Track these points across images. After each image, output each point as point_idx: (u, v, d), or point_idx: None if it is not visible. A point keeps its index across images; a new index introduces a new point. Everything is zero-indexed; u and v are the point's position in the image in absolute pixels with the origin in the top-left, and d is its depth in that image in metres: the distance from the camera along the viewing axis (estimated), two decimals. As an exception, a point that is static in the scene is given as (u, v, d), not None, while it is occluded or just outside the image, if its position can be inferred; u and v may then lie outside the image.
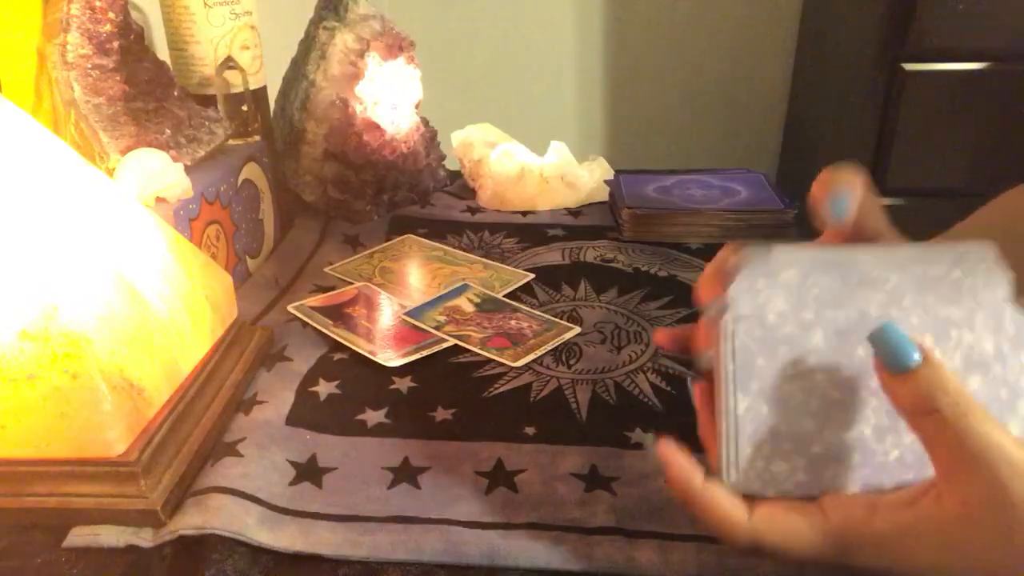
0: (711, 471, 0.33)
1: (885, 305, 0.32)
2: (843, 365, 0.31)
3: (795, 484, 0.32)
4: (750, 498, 0.32)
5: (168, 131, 0.58)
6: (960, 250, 0.33)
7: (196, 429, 0.43)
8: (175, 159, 0.55)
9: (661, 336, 0.40)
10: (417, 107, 0.77)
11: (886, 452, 0.31)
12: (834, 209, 0.35)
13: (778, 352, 0.32)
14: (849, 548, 0.30)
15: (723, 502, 0.32)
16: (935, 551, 0.29)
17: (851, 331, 0.31)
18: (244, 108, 0.68)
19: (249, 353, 0.51)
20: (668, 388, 0.49)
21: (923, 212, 0.76)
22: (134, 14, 0.60)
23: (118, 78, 0.56)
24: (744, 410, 0.32)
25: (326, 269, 0.65)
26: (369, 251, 0.68)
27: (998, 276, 0.32)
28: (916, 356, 0.29)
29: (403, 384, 0.50)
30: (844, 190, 0.35)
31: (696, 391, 0.35)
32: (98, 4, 0.55)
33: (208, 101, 0.66)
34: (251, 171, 0.65)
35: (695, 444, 0.39)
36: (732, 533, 0.32)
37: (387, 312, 0.58)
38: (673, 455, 0.33)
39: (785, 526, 0.31)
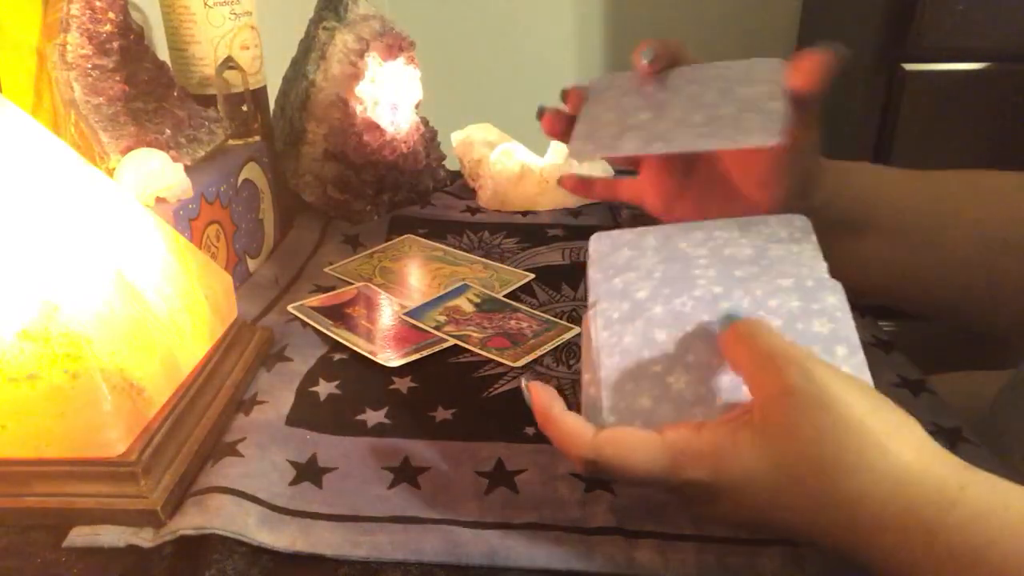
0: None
1: (708, 287, 0.39)
2: (687, 329, 0.38)
3: (660, 418, 0.36)
4: None
5: (168, 131, 0.58)
6: (771, 222, 0.42)
7: (196, 429, 0.43)
8: (175, 159, 0.55)
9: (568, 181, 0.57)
10: (417, 107, 0.77)
11: (731, 380, 0.36)
12: (643, 56, 0.47)
13: (633, 325, 0.38)
14: (677, 463, 0.33)
15: (572, 422, 0.36)
16: (746, 458, 0.32)
17: (686, 312, 0.38)
18: (244, 108, 0.68)
19: (249, 353, 0.51)
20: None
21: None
22: (134, 14, 0.60)
23: (118, 78, 0.56)
24: (608, 362, 0.37)
25: (326, 269, 0.65)
26: (369, 251, 0.68)
27: (801, 240, 0.41)
28: (739, 314, 0.36)
29: (403, 384, 0.50)
30: (652, 45, 0.47)
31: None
32: (98, 4, 0.55)
33: (208, 101, 0.66)
34: (251, 171, 0.65)
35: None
36: (576, 447, 0.35)
37: (387, 312, 0.58)
38: (538, 388, 0.38)
39: (624, 443, 0.34)
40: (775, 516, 0.32)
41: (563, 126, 0.49)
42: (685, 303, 0.38)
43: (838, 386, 0.31)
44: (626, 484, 0.36)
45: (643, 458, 0.33)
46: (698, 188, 0.51)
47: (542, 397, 0.37)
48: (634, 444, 0.34)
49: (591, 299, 0.41)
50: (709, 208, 0.49)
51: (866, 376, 0.34)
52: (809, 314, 0.36)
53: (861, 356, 0.35)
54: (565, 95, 0.50)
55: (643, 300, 0.39)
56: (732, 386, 0.36)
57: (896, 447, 0.30)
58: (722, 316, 0.36)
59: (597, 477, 0.36)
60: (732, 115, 0.43)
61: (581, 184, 0.58)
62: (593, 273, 0.43)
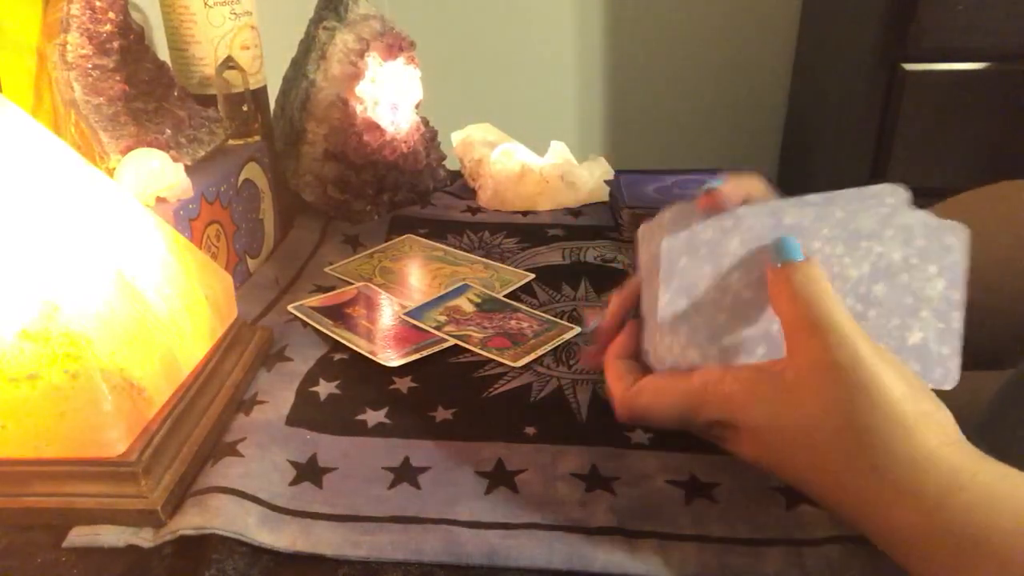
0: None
1: (798, 216, 0.35)
2: (756, 268, 0.35)
3: (707, 364, 0.36)
4: None
5: (168, 131, 0.58)
6: (874, 189, 0.36)
7: (196, 429, 0.43)
8: (175, 159, 0.55)
9: (587, 359, 0.47)
10: (417, 107, 0.77)
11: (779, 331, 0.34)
12: (704, 187, 0.39)
13: (699, 253, 0.35)
14: (701, 403, 0.35)
15: (620, 366, 0.38)
16: (768, 408, 0.33)
17: (765, 238, 0.35)
18: (244, 108, 0.68)
19: (249, 353, 0.51)
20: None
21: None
22: (134, 14, 0.60)
23: (118, 78, 0.56)
24: (666, 303, 0.35)
25: (326, 269, 0.65)
26: (369, 251, 0.68)
27: (909, 207, 0.36)
28: (796, 255, 0.33)
29: (403, 384, 0.50)
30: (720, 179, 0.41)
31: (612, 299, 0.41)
32: (98, 4, 0.55)
33: (208, 101, 0.66)
34: (251, 171, 0.65)
35: (687, 441, 0.39)
36: (616, 392, 0.38)
37: (387, 312, 0.58)
38: (609, 326, 0.39)
39: (656, 387, 0.36)
40: (790, 466, 0.34)
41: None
42: (766, 228, 0.35)
43: (880, 369, 0.31)
44: (662, 427, 0.37)
45: (671, 402, 0.36)
46: None
47: (610, 333, 0.39)
48: (664, 390, 0.36)
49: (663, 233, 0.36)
50: None
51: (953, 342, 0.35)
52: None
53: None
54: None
55: (718, 237, 0.35)
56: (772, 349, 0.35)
57: (922, 433, 0.30)
58: (777, 246, 0.33)
59: (635, 423, 0.38)
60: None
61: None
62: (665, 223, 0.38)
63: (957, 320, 0.36)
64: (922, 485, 0.30)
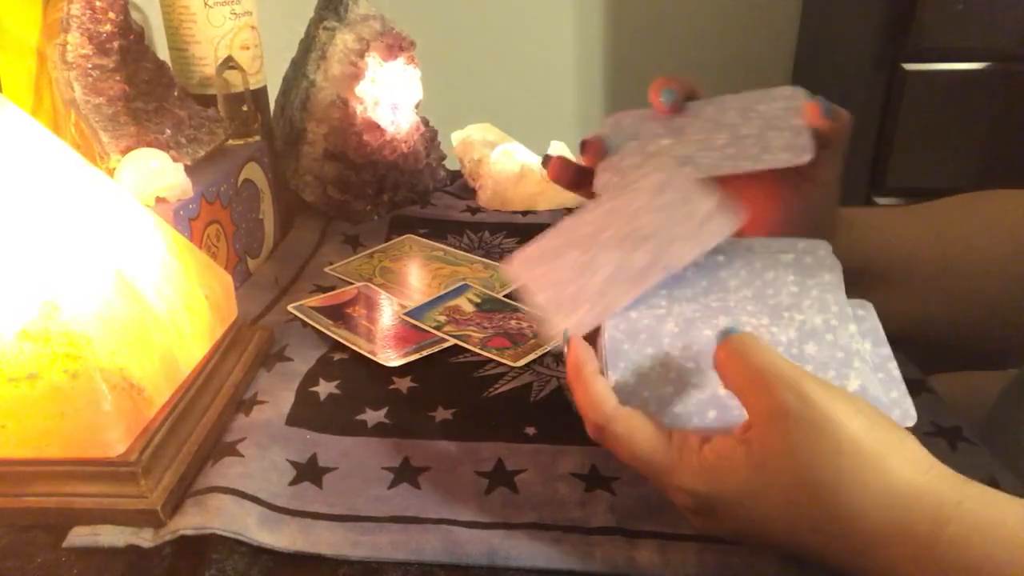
0: None
1: (724, 300, 0.39)
2: (693, 342, 0.38)
3: (662, 397, 0.37)
4: None
5: (168, 131, 0.58)
6: (798, 247, 0.41)
7: (196, 429, 0.43)
8: (175, 159, 0.55)
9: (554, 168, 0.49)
10: (417, 107, 0.77)
11: (738, 406, 0.35)
12: (663, 97, 0.46)
13: (639, 338, 0.38)
14: (677, 469, 0.34)
15: (601, 387, 0.36)
16: (741, 477, 0.32)
17: (696, 319, 0.39)
18: (244, 108, 0.68)
19: (249, 353, 0.51)
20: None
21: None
22: (134, 14, 0.60)
23: (118, 78, 0.56)
24: (614, 383, 0.37)
25: (326, 269, 0.65)
26: (369, 251, 0.68)
27: (826, 267, 0.40)
28: (732, 330, 0.35)
29: (403, 384, 0.50)
30: (671, 85, 0.46)
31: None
32: (98, 4, 0.55)
33: (208, 101, 0.66)
34: (251, 171, 0.65)
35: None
36: (594, 411, 0.36)
37: (387, 312, 0.58)
38: (578, 343, 0.38)
39: (636, 425, 0.35)
40: (772, 532, 0.32)
41: (571, 173, 0.49)
42: (696, 311, 0.38)
43: (834, 405, 0.31)
44: (624, 461, 0.36)
45: (646, 446, 0.34)
46: None
47: (579, 353, 0.37)
48: (644, 429, 0.35)
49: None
50: None
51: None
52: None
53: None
54: (584, 147, 0.48)
55: (651, 324, 0.39)
56: (723, 407, 0.36)
57: (893, 465, 0.30)
58: (719, 333, 0.35)
59: (598, 444, 0.36)
60: (756, 135, 0.43)
61: (565, 169, 0.50)
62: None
63: (894, 369, 0.37)
64: (910, 521, 0.29)
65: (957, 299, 0.49)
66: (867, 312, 0.39)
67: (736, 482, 0.32)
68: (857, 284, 0.47)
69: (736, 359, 0.33)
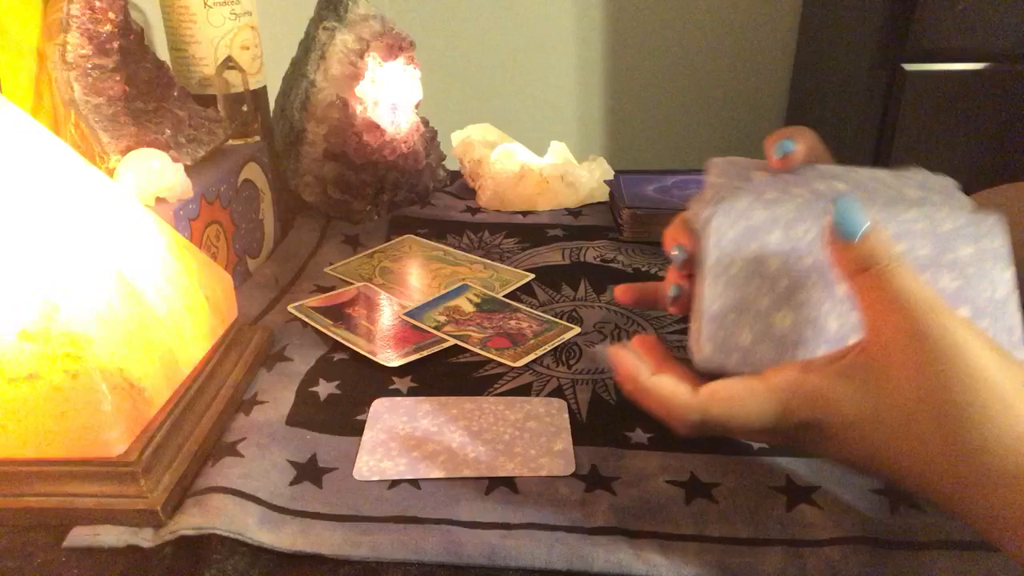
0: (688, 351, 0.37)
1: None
2: (802, 253, 0.35)
3: (759, 358, 0.35)
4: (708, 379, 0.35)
5: (168, 131, 0.58)
6: (924, 175, 0.39)
7: (196, 429, 0.43)
8: (175, 159, 0.55)
9: (622, 293, 0.45)
10: (417, 107, 0.77)
11: (838, 329, 0.34)
12: (777, 149, 0.40)
13: (748, 244, 0.35)
14: (788, 407, 0.32)
15: (668, 385, 0.34)
16: (860, 396, 0.31)
17: (807, 219, 0.35)
18: (244, 108, 0.68)
19: (249, 353, 0.51)
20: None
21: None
22: (134, 14, 0.60)
23: (118, 78, 0.56)
24: (712, 290, 0.35)
25: (326, 269, 0.65)
26: (369, 251, 0.68)
27: (957, 199, 0.38)
28: (866, 225, 0.32)
29: (403, 384, 0.50)
30: (789, 137, 0.40)
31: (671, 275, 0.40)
32: (98, 4, 0.55)
33: (208, 101, 0.66)
34: (251, 171, 0.65)
35: (687, 440, 0.39)
36: (680, 411, 0.34)
37: (387, 312, 0.58)
38: (622, 354, 0.35)
39: (728, 396, 0.33)
40: (886, 458, 0.32)
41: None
42: (809, 230, 0.35)
43: (969, 338, 0.30)
44: (737, 437, 0.34)
45: (753, 409, 0.33)
46: None
47: (627, 363, 0.35)
48: (742, 396, 0.33)
49: (707, 208, 0.37)
50: None
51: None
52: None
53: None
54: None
55: (760, 223, 0.35)
56: (838, 336, 0.34)
57: (1021, 405, 0.29)
58: (838, 216, 0.32)
59: (704, 436, 0.35)
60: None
61: (628, 292, 0.46)
62: (714, 179, 0.39)
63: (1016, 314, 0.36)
64: None
65: None
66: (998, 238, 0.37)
67: (853, 406, 0.31)
68: None
69: (872, 276, 0.31)
